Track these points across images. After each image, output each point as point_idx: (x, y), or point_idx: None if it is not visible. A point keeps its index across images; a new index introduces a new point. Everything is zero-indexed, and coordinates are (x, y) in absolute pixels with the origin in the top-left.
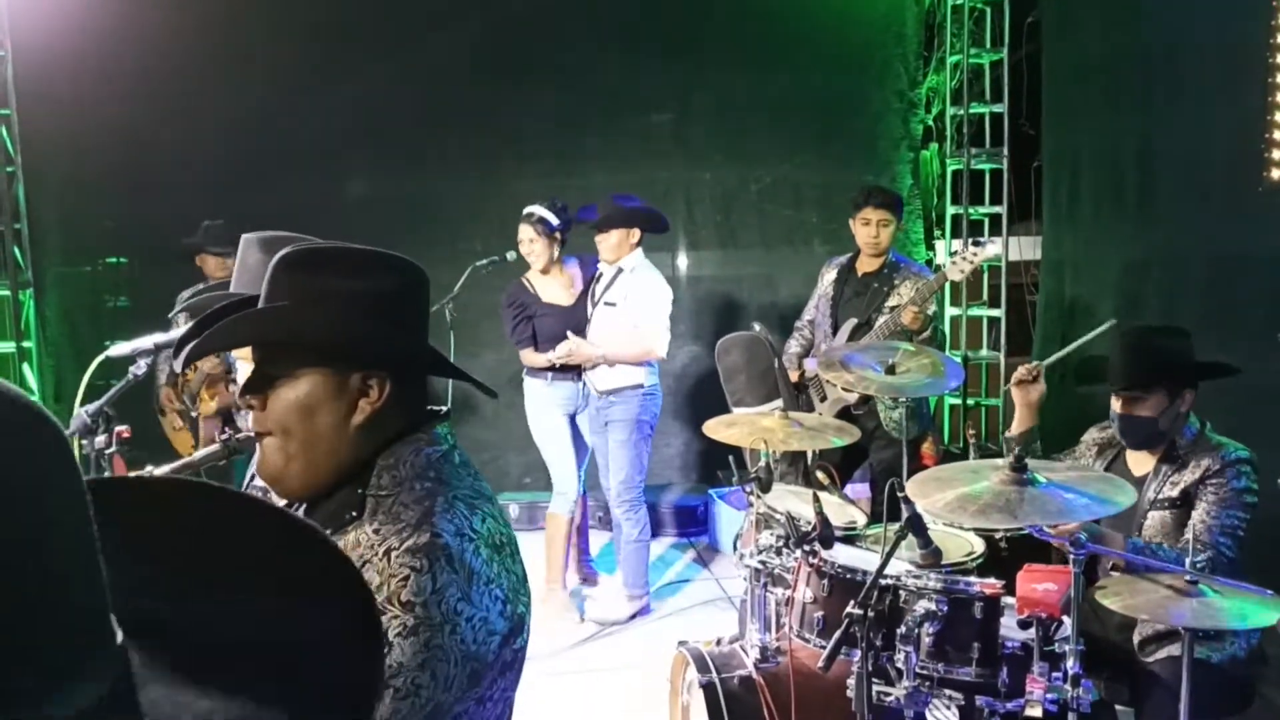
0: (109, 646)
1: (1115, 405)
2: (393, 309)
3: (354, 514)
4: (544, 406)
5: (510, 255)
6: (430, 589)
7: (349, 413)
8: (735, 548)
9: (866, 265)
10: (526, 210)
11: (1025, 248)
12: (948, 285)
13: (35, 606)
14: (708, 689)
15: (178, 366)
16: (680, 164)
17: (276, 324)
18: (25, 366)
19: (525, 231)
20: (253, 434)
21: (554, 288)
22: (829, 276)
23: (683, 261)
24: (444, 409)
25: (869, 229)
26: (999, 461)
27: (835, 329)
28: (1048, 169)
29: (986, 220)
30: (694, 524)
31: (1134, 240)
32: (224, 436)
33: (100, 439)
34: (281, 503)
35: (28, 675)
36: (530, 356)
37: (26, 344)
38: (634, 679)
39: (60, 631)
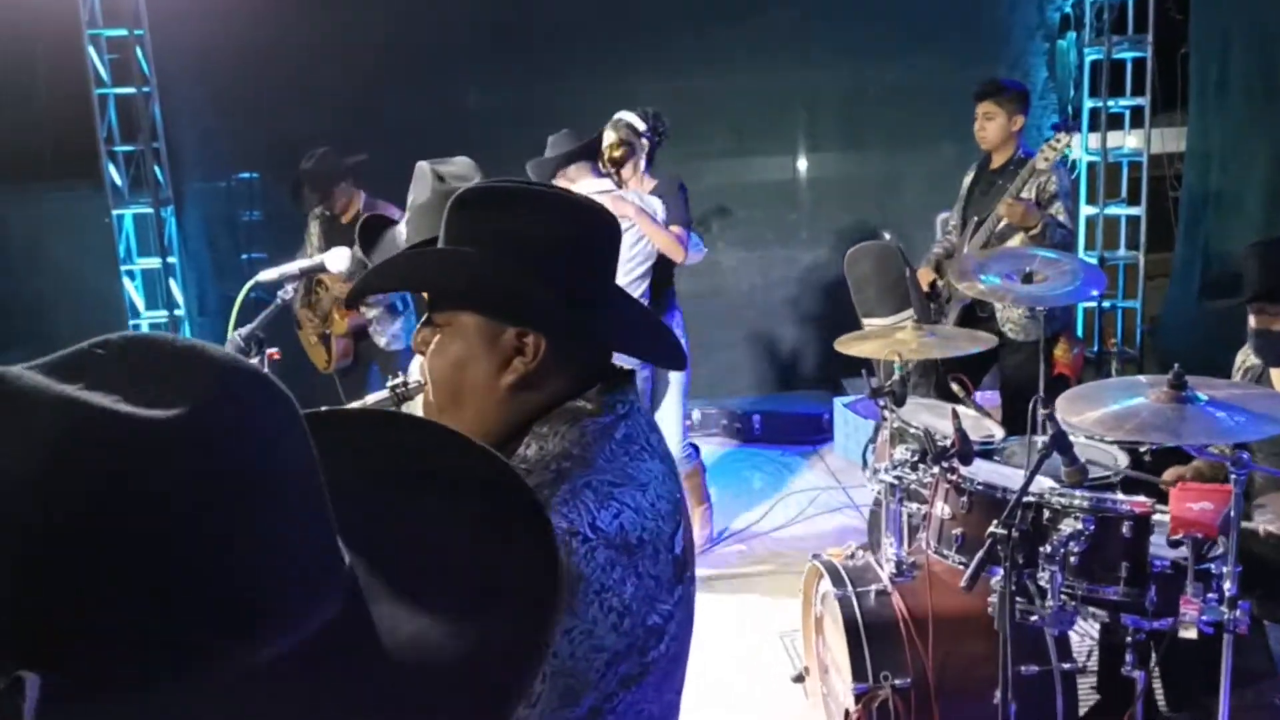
0: (340, 569)
1: (1250, 320)
2: (560, 261)
3: None
4: None
5: None
6: None
7: (500, 370)
8: (864, 460)
9: (995, 162)
10: (615, 116)
11: (1168, 140)
12: (1084, 183)
13: (276, 545)
14: (843, 602)
15: (345, 303)
16: (799, 64)
17: (419, 269)
18: (171, 281)
19: (608, 136)
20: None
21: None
22: (968, 177)
23: (803, 164)
24: (627, 369)
25: (977, 124)
26: (1154, 378)
27: (964, 227)
28: (1195, 56)
29: (1128, 112)
30: (818, 432)
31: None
32: (394, 383)
33: (253, 362)
34: None
35: (273, 603)
36: None
37: (171, 259)
38: (763, 585)
39: (300, 561)
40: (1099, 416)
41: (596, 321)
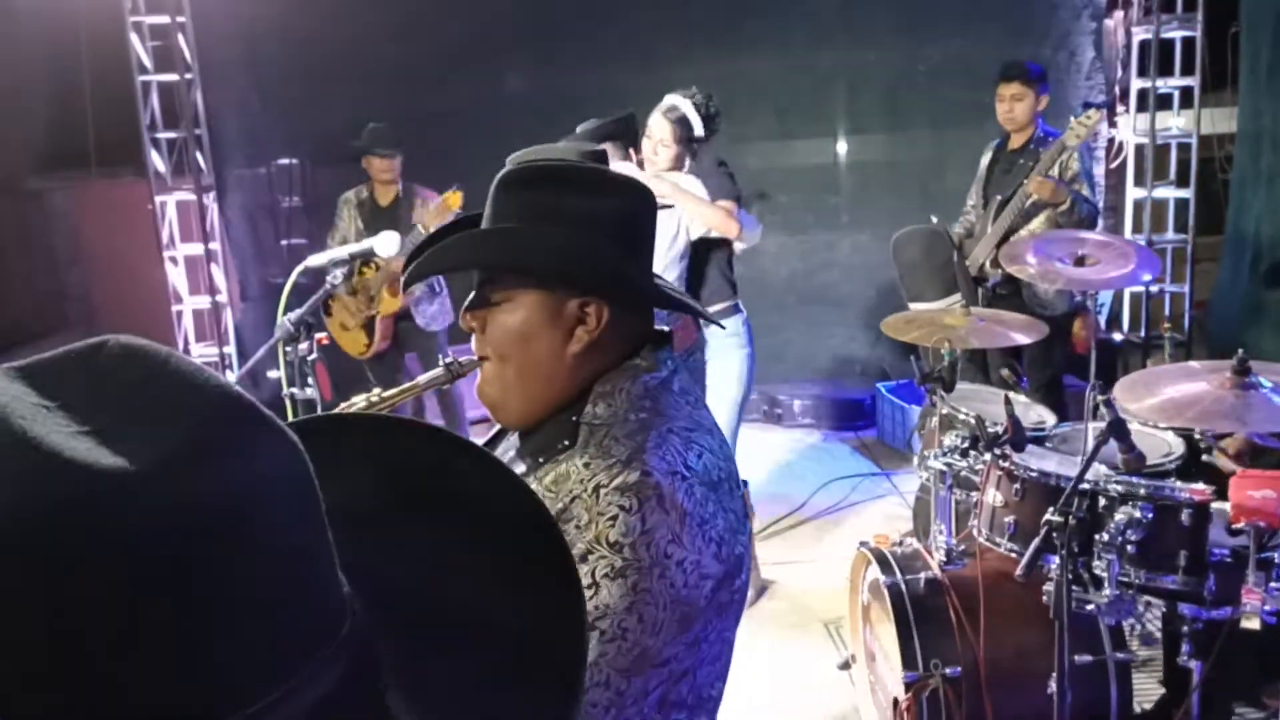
0: (337, 631)
1: None
2: (615, 232)
3: (566, 443)
4: None
5: None
6: (639, 530)
7: (565, 340)
8: (910, 446)
9: (1015, 142)
10: (668, 102)
11: (1218, 120)
12: (1131, 164)
13: (251, 611)
14: (892, 590)
15: (401, 287)
16: (841, 44)
17: (491, 247)
18: (212, 266)
19: (658, 128)
20: (475, 358)
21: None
22: (986, 157)
23: (844, 147)
24: (666, 330)
25: (1003, 105)
26: (1214, 363)
27: (986, 206)
28: (1246, 35)
29: (1177, 93)
30: (860, 417)
31: None
32: (448, 360)
33: (303, 346)
34: (494, 429)
35: (246, 677)
36: None
37: (213, 245)
38: (805, 572)
39: (285, 626)
40: (1158, 403)
41: (650, 287)
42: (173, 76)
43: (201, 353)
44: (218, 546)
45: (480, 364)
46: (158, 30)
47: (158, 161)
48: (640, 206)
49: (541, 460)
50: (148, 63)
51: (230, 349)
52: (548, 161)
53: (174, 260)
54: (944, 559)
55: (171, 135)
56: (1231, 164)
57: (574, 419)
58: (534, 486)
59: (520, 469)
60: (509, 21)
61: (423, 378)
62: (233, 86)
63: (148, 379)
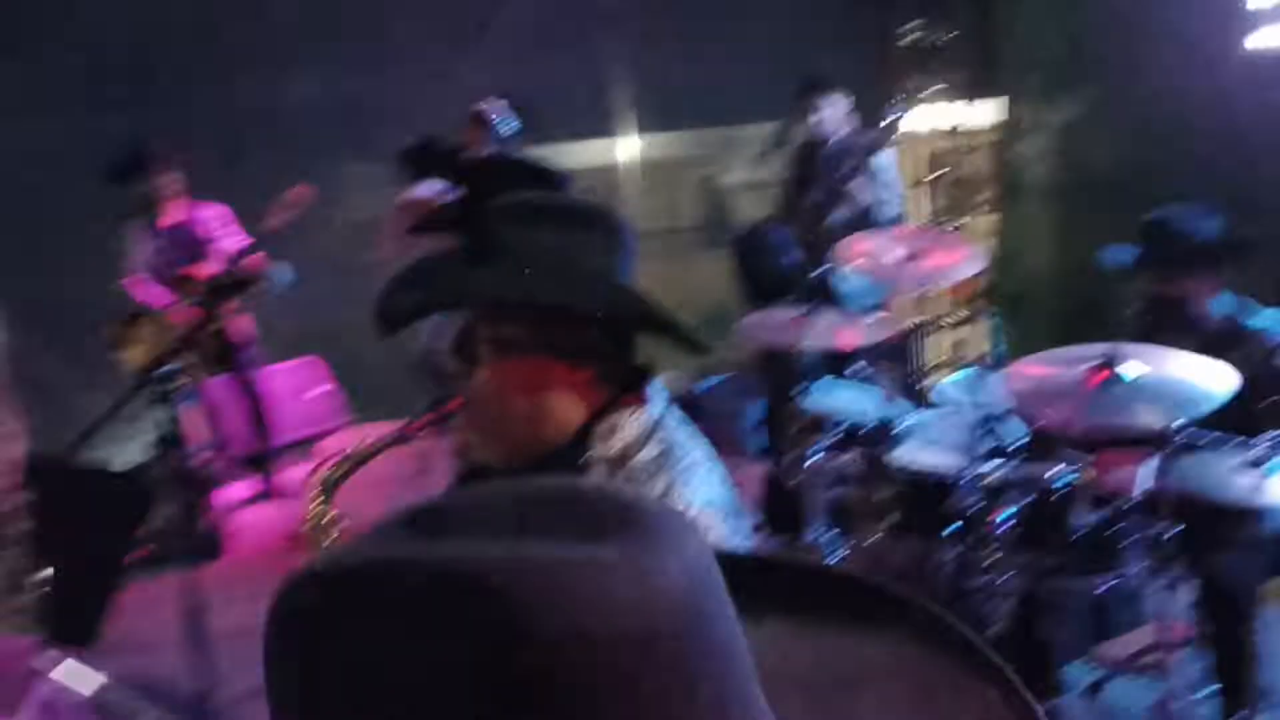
0: None
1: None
2: (600, 264)
3: None
4: None
5: None
6: None
7: (566, 387)
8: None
9: (818, 145)
10: (475, 107)
11: (986, 114)
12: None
13: None
14: None
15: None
16: (630, 42)
17: (476, 286)
18: None
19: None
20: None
21: None
22: (792, 162)
23: (626, 147)
24: (648, 365)
25: (823, 114)
26: (1080, 351)
27: (797, 209)
28: (1009, 32)
29: (944, 88)
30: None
31: (1090, 104)
32: (406, 425)
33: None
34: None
35: None
36: None
37: None
38: None
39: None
40: (1029, 391)
41: (635, 319)
42: None
43: None
44: (694, 634)
45: (459, 409)
46: None
47: None
48: (614, 234)
49: None
50: None
51: None
52: (530, 198)
53: None
54: (822, 555)
55: None
56: (999, 155)
57: (579, 459)
58: None
59: None
60: (293, 24)
61: (379, 435)
62: None
63: (564, 498)
